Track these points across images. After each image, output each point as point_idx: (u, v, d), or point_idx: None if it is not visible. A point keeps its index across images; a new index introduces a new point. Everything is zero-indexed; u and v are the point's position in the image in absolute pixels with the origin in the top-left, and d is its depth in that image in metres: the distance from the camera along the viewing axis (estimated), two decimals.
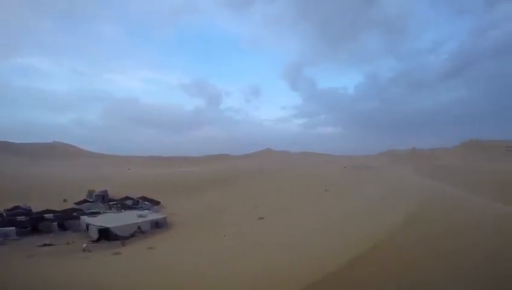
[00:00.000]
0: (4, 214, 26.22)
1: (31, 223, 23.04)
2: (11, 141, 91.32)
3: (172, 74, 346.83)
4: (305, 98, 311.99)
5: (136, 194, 36.40)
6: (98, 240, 20.40)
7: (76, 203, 31.63)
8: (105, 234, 20.77)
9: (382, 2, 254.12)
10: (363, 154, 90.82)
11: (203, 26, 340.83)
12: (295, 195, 32.49)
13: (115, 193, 36.85)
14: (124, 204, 32.75)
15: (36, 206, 28.15)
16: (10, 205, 28.71)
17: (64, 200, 32.69)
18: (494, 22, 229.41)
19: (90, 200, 33.97)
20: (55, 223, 23.52)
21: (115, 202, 33.22)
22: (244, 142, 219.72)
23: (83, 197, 34.61)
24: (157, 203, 34.23)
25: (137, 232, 22.17)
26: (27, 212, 27.07)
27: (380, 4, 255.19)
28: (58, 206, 28.65)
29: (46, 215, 25.24)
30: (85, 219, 24.50)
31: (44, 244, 19.30)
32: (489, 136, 77.29)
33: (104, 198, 34.63)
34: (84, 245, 18.63)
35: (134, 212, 27.30)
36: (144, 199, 35.16)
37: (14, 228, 21.66)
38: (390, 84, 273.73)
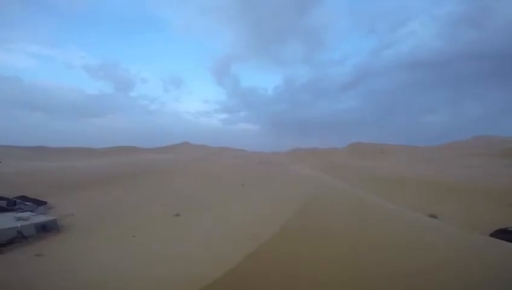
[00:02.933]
0: None
1: None
2: None
3: (74, 51, 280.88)
4: (230, 94, 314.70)
5: (13, 193, 29.39)
6: None
7: None
8: None
9: (309, 12, 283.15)
10: (274, 151, 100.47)
11: (128, 3, 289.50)
12: (212, 190, 33.28)
13: None
14: None
15: None
16: None
17: None
18: (390, 43, 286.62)
19: None
20: None
21: None
22: (159, 134, 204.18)
23: None
24: (42, 203, 28.55)
25: (18, 238, 18.29)
26: None
27: (307, 14, 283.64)
28: None
29: None
30: None
31: None
32: (369, 140, 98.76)
33: None
34: None
35: (11, 215, 22.17)
36: (24, 198, 28.71)
37: None
38: (302, 89, 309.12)
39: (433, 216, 18.99)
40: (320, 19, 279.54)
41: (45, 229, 20.68)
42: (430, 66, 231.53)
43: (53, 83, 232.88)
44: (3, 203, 26.84)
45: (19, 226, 19.21)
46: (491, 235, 15.25)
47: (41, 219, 22.00)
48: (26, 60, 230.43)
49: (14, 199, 28.00)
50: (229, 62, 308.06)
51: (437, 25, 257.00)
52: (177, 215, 24.00)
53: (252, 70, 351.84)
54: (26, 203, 27.70)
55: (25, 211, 24.93)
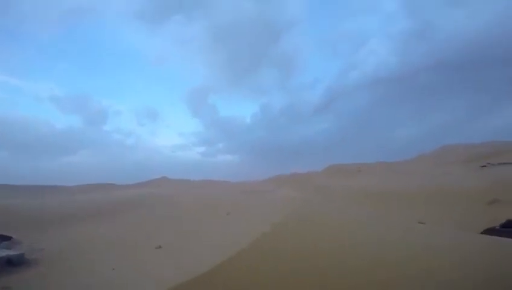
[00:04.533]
0: None
1: None
2: None
3: (42, 83, 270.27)
4: (206, 126, 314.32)
5: None
6: None
7: None
8: None
9: (281, 40, 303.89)
10: (256, 179, 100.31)
11: (100, 34, 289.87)
12: (196, 221, 32.32)
13: None
14: None
15: None
16: None
17: None
18: (354, 63, 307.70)
19: None
20: None
21: None
22: (136, 169, 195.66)
23: None
24: (7, 238, 26.05)
25: None
26: None
27: (280, 42, 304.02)
28: None
29: None
30: None
31: None
32: (346, 160, 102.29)
33: None
34: None
35: None
36: None
37: None
38: (278, 115, 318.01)
39: (421, 223, 19.81)
40: (290, 45, 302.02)
41: (11, 263, 18.80)
42: (391, 81, 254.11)
43: (19, 115, 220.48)
44: None
45: None
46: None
47: (5, 253, 20.05)
48: None
49: None
50: (205, 93, 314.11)
51: (392, 42, 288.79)
52: (159, 247, 22.88)
53: (229, 100, 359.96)
54: None
55: None
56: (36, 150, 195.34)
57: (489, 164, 55.54)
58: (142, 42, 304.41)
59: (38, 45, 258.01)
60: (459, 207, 27.80)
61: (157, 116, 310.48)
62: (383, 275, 6.78)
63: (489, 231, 17.22)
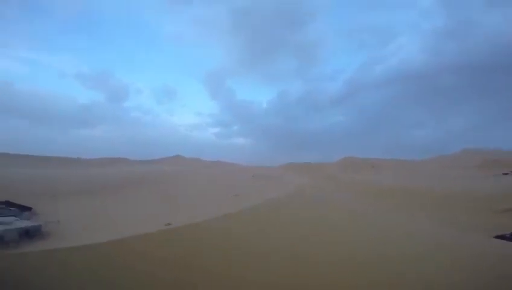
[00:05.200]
0: None
1: None
2: None
3: (68, 59, 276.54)
4: (223, 108, 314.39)
5: None
6: None
7: None
8: None
9: (303, 29, 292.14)
10: (267, 165, 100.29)
11: (120, 11, 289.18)
12: (205, 201, 32.66)
13: None
14: None
15: None
16: None
17: None
18: (380, 58, 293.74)
19: None
20: None
21: None
22: (151, 146, 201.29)
23: None
24: (27, 209, 27.39)
25: None
26: None
27: (302, 31, 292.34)
28: None
29: None
30: None
31: None
32: (360, 154, 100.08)
33: None
34: None
35: None
36: (8, 203, 27.49)
37: None
38: (295, 103, 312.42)
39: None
40: (312, 35, 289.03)
41: (28, 234, 19.64)
42: (416, 79, 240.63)
43: (45, 90, 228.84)
44: None
45: (1, 230, 18.21)
46: None
47: (25, 224, 21.01)
48: (18, 66, 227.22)
49: None
50: (223, 75, 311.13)
51: (422, 39, 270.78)
52: (168, 224, 23.29)
53: (246, 84, 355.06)
54: (11, 208, 26.47)
55: (9, 216, 23.73)
56: (59, 123, 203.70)
57: None
58: (164, 22, 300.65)
59: (64, 23, 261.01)
60: (466, 214, 26.45)
61: (176, 95, 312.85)
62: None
63: (499, 238, 16.48)
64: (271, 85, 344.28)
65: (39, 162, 72.61)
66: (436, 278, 6.15)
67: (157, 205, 30.90)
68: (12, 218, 22.85)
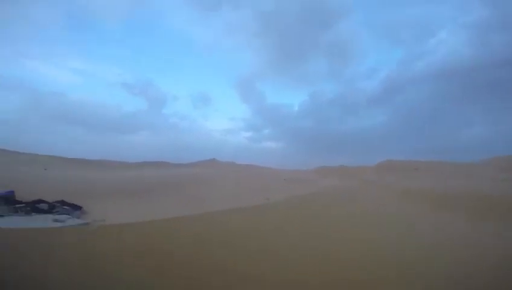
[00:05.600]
0: None
1: None
2: None
3: (113, 69, 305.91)
4: (254, 112, 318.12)
5: (53, 198, 31.48)
6: None
7: None
8: None
9: (334, 28, 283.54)
10: (299, 168, 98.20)
11: (157, 23, 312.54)
12: (238, 204, 32.81)
13: (26, 195, 31.17)
14: (36, 208, 27.87)
15: None
16: None
17: None
18: (420, 53, 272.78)
19: None
20: None
21: (23, 205, 28.02)
22: (188, 150, 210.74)
23: None
24: (78, 208, 30.25)
25: None
26: None
27: (332, 30, 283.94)
28: None
29: None
30: None
31: None
32: (401, 157, 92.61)
33: (8, 200, 28.87)
34: None
35: (49, 217, 23.57)
36: (63, 203, 30.60)
37: None
38: (328, 105, 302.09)
39: None
40: (344, 33, 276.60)
41: None
42: (462, 75, 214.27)
43: (94, 99, 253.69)
44: (45, 206, 28.73)
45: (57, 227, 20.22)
46: None
47: (76, 222, 23.14)
48: (69, 76, 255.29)
49: (54, 203, 29.90)
50: (253, 79, 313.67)
51: (466, 32, 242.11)
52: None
53: (277, 87, 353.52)
54: (65, 207, 29.48)
55: (63, 214, 26.37)
56: (106, 129, 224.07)
57: None
58: (196, 31, 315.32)
59: (110, 36, 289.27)
60: None
61: (210, 101, 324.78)
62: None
63: None
64: (302, 87, 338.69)
65: (90, 165, 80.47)
66: None
67: (195, 207, 31.89)
68: (65, 216, 25.37)
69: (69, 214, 26.68)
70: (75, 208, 30.08)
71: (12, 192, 30.73)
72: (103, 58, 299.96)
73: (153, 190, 42.79)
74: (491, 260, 7.71)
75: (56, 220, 22.10)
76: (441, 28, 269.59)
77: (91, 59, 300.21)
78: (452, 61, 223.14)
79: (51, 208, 28.96)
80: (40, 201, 29.85)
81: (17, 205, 27.79)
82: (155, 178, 53.20)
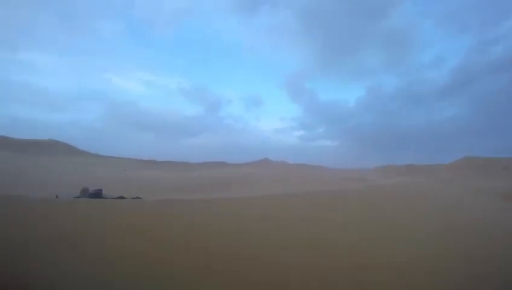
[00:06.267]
0: None
1: None
2: (9, 135, 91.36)
3: (172, 77, 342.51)
4: (305, 110, 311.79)
5: (130, 195, 36.34)
6: None
7: None
8: None
9: (386, 17, 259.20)
10: (359, 168, 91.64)
11: (204, 30, 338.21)
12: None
13: (110, 192, 36.79)
14: None
15: None
16: None
17: (56, 197, 32.37)
18: (495, 38, 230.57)
19: (84, 197, 33.75)
20: None
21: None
22: (242, 151, 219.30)
23: (75, 194, 34.41)
24: None
25: None
26: None
27: (385, 17, 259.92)
28: None
29: None
30: None
31: None
32: (482, 153, 78.11)
33: (97, 196, 34.48)
34: None
35: None
36: (138, 199, 35.14)
37: None
38: (390, 99, 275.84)
39: None
40: (400, 21, 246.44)
41: None
42: None
43: (159, 106, 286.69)
44: None
45: None
46: None
47: None
48: (138, 86, 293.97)
49: (132, 199, 34.47)
50: (302, 78, 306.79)
51: None
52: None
53: (329, 84, 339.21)
54: None
55: None
56: (170, 133, 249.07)
57: None
58: (240, 35, 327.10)
59: (165, 46, 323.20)
60: None
61: (261, 102, 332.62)
62: None
63: None
64: (356, 81, 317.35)
65: (159, 166, 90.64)
66: None
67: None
68: None
69: None
70: None
71: (101, 190, 36.63)
72: (164, 68, 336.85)
73: (206, 188, 45.54)
74: None
75: None
76: None
77: (154, 70, 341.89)
78: None
79: None
80: (121, 197, 34.86)
81: None
82: (210, 178, 56.70)
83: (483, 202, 20.98)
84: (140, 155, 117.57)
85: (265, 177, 61.18)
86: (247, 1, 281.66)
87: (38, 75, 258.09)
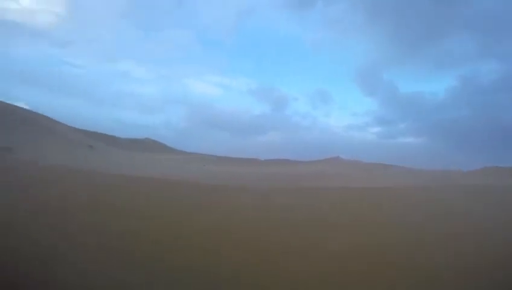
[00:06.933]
0: None
1: None
2: (111, 134, 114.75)
3: (241, 78, 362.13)
4: (383, 104, 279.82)
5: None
6: None
7: None
8: None
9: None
10: (451, 169, 76.86)
11: (264, 30, 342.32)
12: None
13: None
14: None
15: None
16: None
17: None
18: None
19: None
20: None
21: None
22: (311, 148, 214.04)
23: None
24: None
25: None
26: None
27: (470, 2, 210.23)
28: None
29: None
30: None
31: None
32: None
33: None
34: None
35: None
36: None
37: None
38: (491, 89, 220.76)
39: None
40: (489, 3, 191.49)
41: None
42: None
43: (231, 107, 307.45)
44: None
45: None
46: None
47: None
48: (213, 89, 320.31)
49: None
50: (377, 69, 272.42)
51: None
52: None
53: (410, 74, 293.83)
54: None
55: None
56: (241, 132, 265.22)
57: None
58: (298, 31, 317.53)
59: (230, 48, 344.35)
60: None
61: (329, 97, 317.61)
62: None
63: None
64: (445, 71, 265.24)
65: (232, 162, 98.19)
66: None
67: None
68: None
69: None
70: None
71: None
72: (232, 70, 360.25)
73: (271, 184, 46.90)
74: None
75: None
76: None
77: (224, 73, 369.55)
78: None
79: None
80: None
81: None
82: (275, 174, 58.16)
83: None
84: (215, 152, 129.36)
85: (336, 174, 58.90)
86: None
87: (134, 83, 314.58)
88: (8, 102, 76.83)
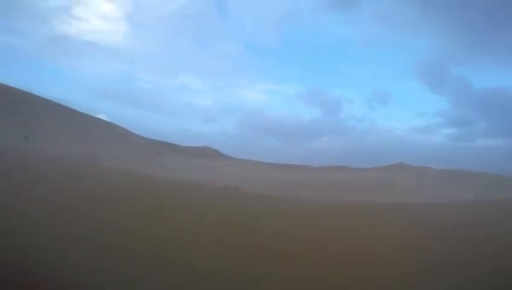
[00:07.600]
0: None
1: None
2: (173, 142, 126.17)
3: (289, 84, 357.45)
4: (454, 102, 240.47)
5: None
6: None
7: None
8: None
9: None
10: None
11: (309, 32, 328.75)
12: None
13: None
14: None
15: None
16: None
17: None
18: None
19: None
20: None
21: None
22: (371, 153, 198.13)
23: None
24: None
25: None
26: None
27: None
28: None
29: None
30: None
31: None
32: None
33: None
34: None
35: None
36: None
37: None
38: None
39: None
40: None
41: None
42: None
43: (281, 113, 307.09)
44: None
45: None
46: None
47: None
48: (263, 97, 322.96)
49: None
50: (445, 64, 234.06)
51: None
52: None
53: (485, 68, 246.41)
54: None
55: None
56: (292, 138, 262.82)
57: None
58: (346, 30, 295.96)
59: (276, 54, 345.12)
60: None
61: (388, 98, 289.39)
62: None
63: None
64: None
65: (283, 169, 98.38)
66: None
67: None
68: None
69: None
70: None
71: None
72: (280, 77, 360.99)
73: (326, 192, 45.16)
74: None
75: None
76: None
77: (272, 79, 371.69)
78: None
79: None
80: None
81: None
82: (331, 181, 55.86)
83: None
84: (266, 158, 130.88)
85: (400, 183, 53.67)
86: None
87: (193, 94, 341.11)
88: (91, 114, 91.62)
